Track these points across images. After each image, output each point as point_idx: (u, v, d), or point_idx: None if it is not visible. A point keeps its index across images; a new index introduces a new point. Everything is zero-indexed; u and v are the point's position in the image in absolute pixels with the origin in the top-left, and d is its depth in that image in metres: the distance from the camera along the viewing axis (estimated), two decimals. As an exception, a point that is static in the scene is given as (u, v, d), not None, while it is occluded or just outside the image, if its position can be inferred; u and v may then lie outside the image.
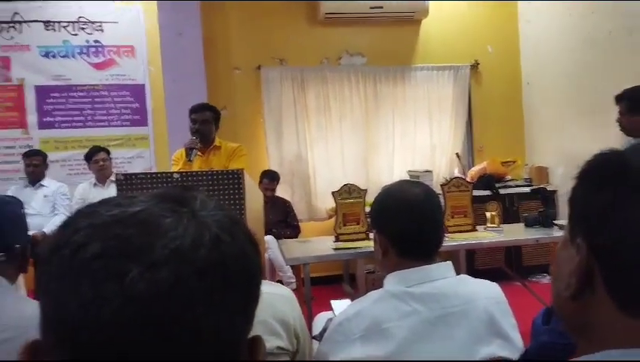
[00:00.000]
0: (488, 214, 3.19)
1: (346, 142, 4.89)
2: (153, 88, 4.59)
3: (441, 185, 3.03)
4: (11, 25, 4.39)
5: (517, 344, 1.13)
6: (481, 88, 5.18)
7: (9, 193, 3.62)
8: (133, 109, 4.62)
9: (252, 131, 4.74)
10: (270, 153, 4.74)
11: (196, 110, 3.22)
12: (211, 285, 0.38)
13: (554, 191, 4.49)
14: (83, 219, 0.40)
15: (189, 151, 3.00)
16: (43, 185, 4.08)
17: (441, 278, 1.14)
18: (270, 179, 4.39)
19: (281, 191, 4.57)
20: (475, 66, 5.12)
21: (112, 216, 0.39)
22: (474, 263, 4.43)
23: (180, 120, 4.27)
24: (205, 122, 3.17)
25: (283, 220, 4.39)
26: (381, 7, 4.63)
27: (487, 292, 1.17)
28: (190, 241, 0.38)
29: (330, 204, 4.71)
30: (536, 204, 4.23)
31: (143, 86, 4.61)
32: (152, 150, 4.66)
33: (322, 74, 4.85)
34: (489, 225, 3.16)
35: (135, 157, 4.62)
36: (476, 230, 3.01)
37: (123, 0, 4.58)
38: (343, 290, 4.54)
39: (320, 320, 1.82)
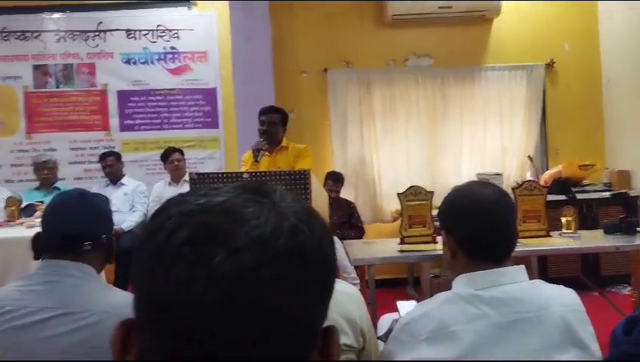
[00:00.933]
0: (564, 220, 3.03)
1: (412, 144, 4.83)
2: (224, 91, 4.76)
3: (513, 189, 2.91)
4: (97, 34, 4.72)
5: (595, 354, 1.07)
6: (556, 88, 4.94)
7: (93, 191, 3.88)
8: (205, 112, 4.82)
9: (318, 133, 4.79)
10: (335, 155, 4.78)
11: (265, 112, 3.31)
12: (290, 272, 0.40)
13: (637, 197, 4.20)
14: (174, 207, 0.43)
15: (255, 152, 3.09)
16: (123, 184, 4.35)
17: (513, 282, 1.11)
18: (334, 180, 4.42)
19: (346, 193, 4.59)
20: (550, 65, 4.89)
21: (199, 205, 0.42)
22: (547, 271, 4.23)
23: (249, 122, 4.41)
24: (273, 124, 3.25)
25: (347, 221, 4.41)
26: (450, 7, 4.53)
27: (563, 299, 1.12)
28: (271, 230, 0.41)
29: (395, 206, 4.68)
30: (616, 209, 3.98)
31: (214, 90, 4.80)
32: (223, 151, 4.83)
33: (388, 76, 4.82)
34: (564, 230, 3.00)
35: (207, 158, 4.81)
36: (550, 236, 2.87)
37: (200, 0, 4.76)
38: (407, 294, 4.48)
39: (385, 321, 1.81)
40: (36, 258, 1.31)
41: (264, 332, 0.39)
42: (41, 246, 1.30)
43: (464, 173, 4.77)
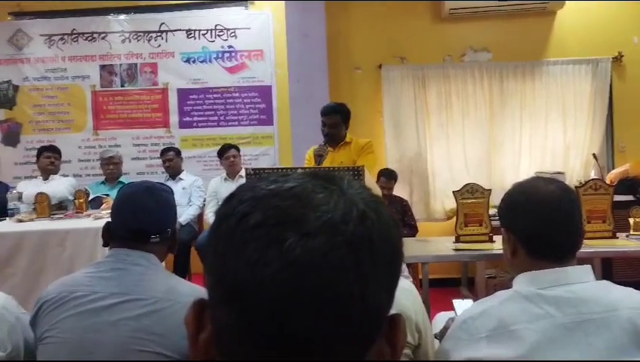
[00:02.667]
0: (632, 221, 2.87)
1: (468, 141, 4.72)
2: (279, 89, 4.83)
3: (576, 188, 2.79)
4: (159, 34, 4.91)
5: (667, 360, 1.01)
6: (624, 83, 4.68)
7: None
8: (260, 109, 4.91)
9: (371, 129, 4.77)
10: (389, 152, 4.74)
11: (326, 113, 3.32)
12: (359, 257, 0.41)
13: None
14: (246, 192, 0.45)
15: (317, 157, 3.11)
16: (181, 179, 4.51)
17: (578, 282, 1.06)
18: (387, 177, 4.38)
19: (400, 190, 4.54)
20: (618, 59, 4.64)
21: (270, 190, 0.44)
22: (612, 274, 4.01)
23: (303, 118, 4.46)
24: (334, 125, 3.28)
25: (400, 219, 4.36)
26: (510, 0, 4.39)
27: (633, 301, 1.06)
28: (340, 215, 0.42)
29: (449, 204, 4.60)
30: (691, 212, 3.71)
31: (270, 87, 4.87)
32: (277, 148, 4.90)
33: (444, 71, 4.73)
34: (632, 232, 2.84)
35: (261, 154, 4.90)
36: (616, 237, 2.73)
37: (257, 0, 4.86)
38: (461, 294, 4.38)
39: (440, 319, 1.79)
40: (105, 245, 1.38)
41: (335, 315, 0.39)
42: (110, 235, 1.37)
43: (523, 171, 4.61)
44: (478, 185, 2.89)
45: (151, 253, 1.32)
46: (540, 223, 1.10)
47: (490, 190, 2.88)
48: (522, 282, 1.09)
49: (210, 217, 4.36)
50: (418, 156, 4.73)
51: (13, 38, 4.94)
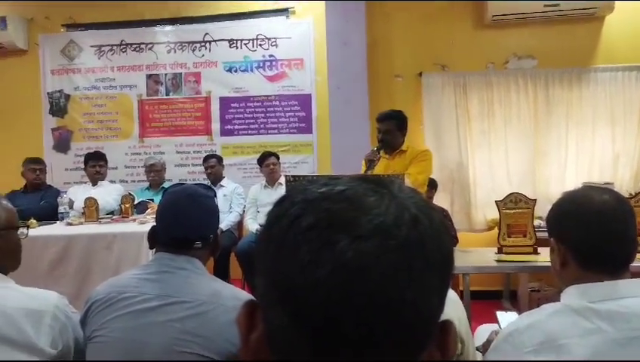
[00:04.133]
0: (688, 234, 2.73)
1: (511, 150, 4.61)
2: (318, 97, 4.85)
3: (627, 199, 2.68)
4: (202, 44, 5.04)
5: None
6: (679, 89, 4.47)
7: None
8: (299, 118, 4.95)
9: (411, 138, 4.66)
10: (429, 160, 4.67)
11: (381, 120, 3.31)
12: (411, 261, 0.41)
13: None
14: (297, 194, 0.45)
15: (368, 163, 3.10)
16: (222, 186, 4.59)
17: (632, 296, 1.02)
18: (428, 186, 4.31)
19: (440, 200, 4.47)
20: (671, 65, 4.44)
21: (321, 193, 0.44)
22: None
23: (342, 127, 4.47)
24: (388, 131, 3.26)
25: (440, 229, 4.28)
26: (557, 5, 4.27)
27: (691, 317, 1.01)
28: (392, 219, 0.41)
29: (491, 214, 4.49)
30: None
31: (309, 95, 4.91)
32: (315, 155, 4.93)
33: (487, 79, 4.64)
34: (688, 247, 2.70)
35: (300, 162, 4.93)
36: (671, 252, 2.60)
37: (297, 0, 4.94)
38: (503, 307, 4.27)
39: (482, 331, 1.74)
40: (151, 248, 1.43)
41: (385, 319, 0.39)
42: (155, 239, 1.41)
43: (569, 182, 4.46)
44: (522, 194, 2.83)
45: (195, 257, 1.35)
46: (592, 234, 1.06)
47: (535, 200, 2.81)
48: (572, 295, 1.06)
49: (249, 224, 4.41)
50: (459, 165, 4.65)
51: (65, 49, 5.17)
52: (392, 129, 3.26)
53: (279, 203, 0.46)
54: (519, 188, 4.01)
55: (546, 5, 4.29)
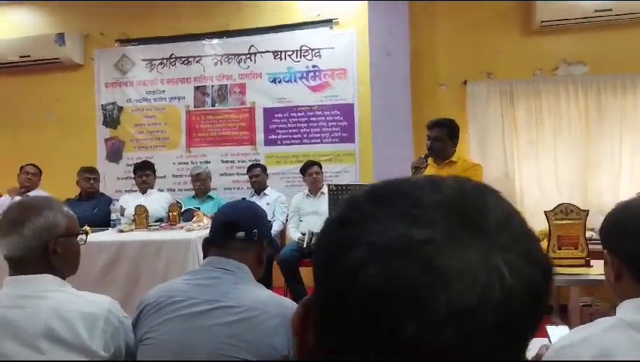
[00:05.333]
0: None
1: (561, 160, 4.46)
2: (361, 106, 4.86)
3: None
4: (248, 56, 5.15)
5: None
6: None
7: (241, 200, 4.20)
8: (342, 127, 4.97)
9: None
10: (474, 170, 4.58)
11: (430, 126, 3.24)
12: (495, 351, 0.36)
13: None
14: (366, 225, 0.39)
15: (413, 169, 3.05)
16: (266, 195, 4.66)
17: (692, 312, 0.97)
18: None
19: (485, 210, 4.36)
20: None
21: (393, 241, 0.37)
22: None
23: (385, 136, 4.46)
24: (437, 139, 3.19)
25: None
26: (610, 10, 4.13)
27: None
28: (477, 296, 0.35)
29: (539, 225, 4.33)
30: None
31: (352, 105, 4.93)
32: (357, 165, 4.92)
33: (534, 86, 4.52)
34: None
35: (342, 171, 4.95)
36: None
37: (340, 11, 4.95)
38: (552, 322, 4.10)
39: (532, 345, 1.69)
40: (204, 256, 1.48)
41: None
42: (207, 247, 1.46)
43: (623, 193, 4.26)
44: (573, 205, 2.73)
45: (241, 261, 1.38)
46: (648, 246, 1.02)
47: (587, 211, 2.70)
48: (628, 309, 1.01)
49: (292, 232, 4.45)
50: (505, 176, 4.53)
51: (118, 63, 5.41)
52: (443, 137, 3.18)
53: (340, 226, 0.41)
54: (569, 199, 3.87)
55: (596, 10, 4.15)
